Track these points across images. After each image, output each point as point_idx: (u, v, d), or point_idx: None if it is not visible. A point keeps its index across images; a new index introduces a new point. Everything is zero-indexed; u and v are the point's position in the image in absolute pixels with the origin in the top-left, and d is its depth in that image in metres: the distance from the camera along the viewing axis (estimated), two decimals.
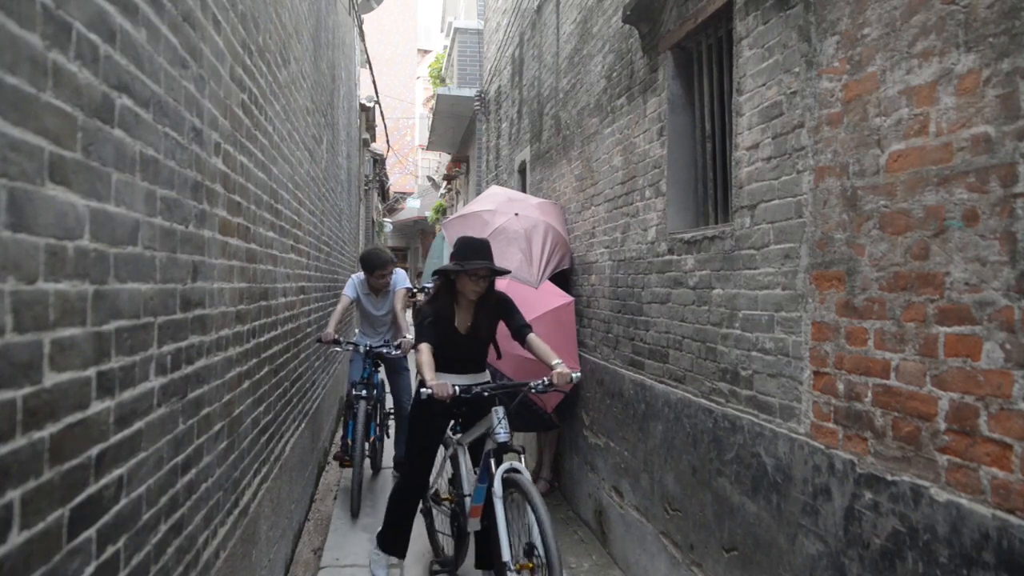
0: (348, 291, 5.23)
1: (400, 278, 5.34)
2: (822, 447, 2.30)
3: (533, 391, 3.27)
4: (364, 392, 5.00)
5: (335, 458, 5.49)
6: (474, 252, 3.38)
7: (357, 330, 5.72)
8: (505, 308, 3.55)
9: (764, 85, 2.70)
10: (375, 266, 5.13)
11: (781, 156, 2.58)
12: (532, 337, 3.41)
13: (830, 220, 2.29)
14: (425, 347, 3.30)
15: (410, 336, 4.53)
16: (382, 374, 5.59)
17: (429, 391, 3.10)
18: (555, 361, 3.26)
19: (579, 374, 3.32)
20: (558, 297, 5.02)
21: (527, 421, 5.06)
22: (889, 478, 1.98)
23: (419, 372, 3.23)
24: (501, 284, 4.92)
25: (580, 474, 5.00)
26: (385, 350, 5.11)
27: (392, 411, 5.64)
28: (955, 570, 1.74)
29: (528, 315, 4.79)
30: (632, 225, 4.11)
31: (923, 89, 1.90)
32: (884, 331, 2.04)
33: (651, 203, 3.83)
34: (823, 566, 2.26)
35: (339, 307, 5.14)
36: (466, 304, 3.50)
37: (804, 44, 2.45)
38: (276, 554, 3.43)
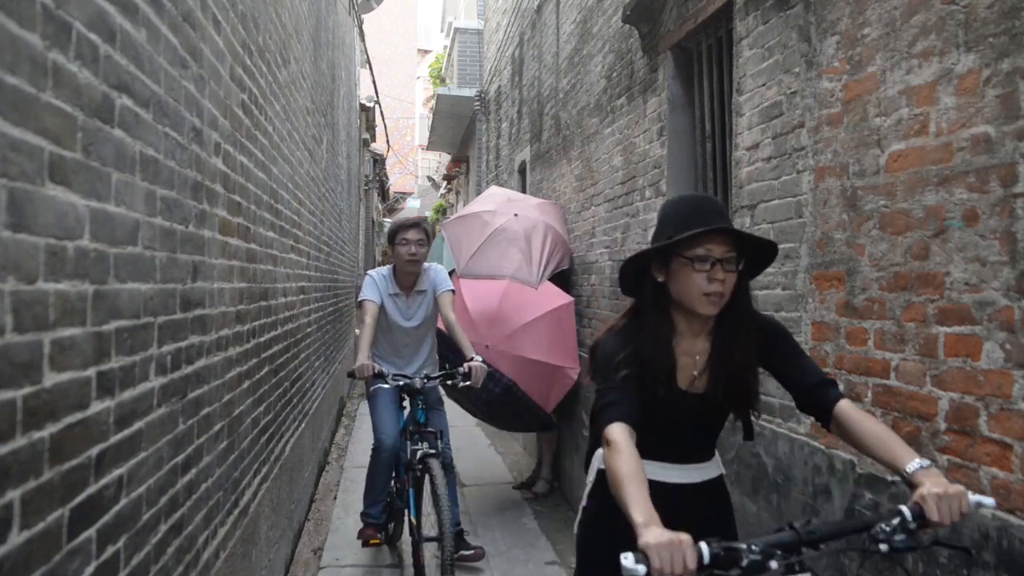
0: (369, 293, 3.65)
1: (439, 276, 3.78)
2: (822, 447, 2.30)
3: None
4: (429, 447, 3.39)
5: (360, 536, 3.89)
6: (698, 214, 1.66)
7: (370, 352, 3.64)
8: (778, 342, 1.76)
9: (764, 85, 2.70)
10: (398, 228, 3.69)
11: (781, 156, 2.58)
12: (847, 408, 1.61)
13: (830, 220, 2.29)
14: (621, 433, 1.52)
15: (475, 362, 3.46)
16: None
17: None
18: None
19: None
20: (558, 297, 5.02)
21: (527, 421, 5.06)
22: (889, 478, 1.98)
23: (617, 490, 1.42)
24: (500, 285, 4.93)
25: (580, 474, 4.99)
26: (438, 383, 3.61)
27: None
28: (955, 570, 1.74)
29: (528, 315, 4.81)
30: (632, 225, 4.11)
31: (923, 89, 1.90)
32: (884, 331, 2.04)
33: (651, 203, 3.82)
34: (823, 566, 2.26)
35: (367, 319, 3.59)
36: (694, 330, 1.74)
37: (804, 44, 2.45)
38: (276, 554, 3.43)
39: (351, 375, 3.43)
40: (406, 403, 3.66)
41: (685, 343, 1.72)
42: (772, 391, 2.60)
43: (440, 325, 4.00)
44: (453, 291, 3.81)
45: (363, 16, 10.97)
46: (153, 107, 1.71)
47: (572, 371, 4.93)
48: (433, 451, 3.36)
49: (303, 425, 4.42)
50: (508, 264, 5.04)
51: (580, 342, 5.11)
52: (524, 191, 7.07)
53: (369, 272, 3.89)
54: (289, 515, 3.86)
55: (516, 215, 5.32)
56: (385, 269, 3.84)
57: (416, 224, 3.69)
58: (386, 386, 3.48)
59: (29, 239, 1.16)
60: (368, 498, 3.82)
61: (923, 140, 1.90)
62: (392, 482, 3.79)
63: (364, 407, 8.71)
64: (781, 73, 2.58)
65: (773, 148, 2.63)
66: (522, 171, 7.55)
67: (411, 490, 3.49)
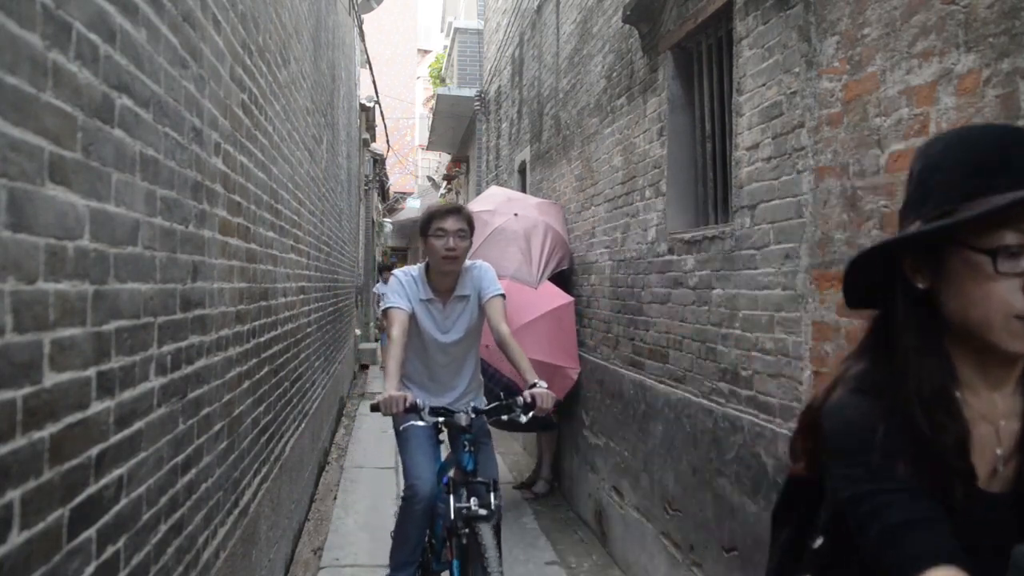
0: (396, 298, 2.87)
1: (485, 277, 2.97)
2: None
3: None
4: (479, 506, 2.60)
5: None
6: (1012, 163, 0.88)
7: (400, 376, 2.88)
8: None
9: (764, 85, 2.70)
10: (433, 215, 2.92)
11: (781, 156, 2.58)
12: None
13: (830, 220, 2.29)
14: None
15: (540, 388, 2.67)
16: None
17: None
18: None
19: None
20: (558, 297, 5.03)
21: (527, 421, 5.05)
22: None
23: None
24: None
25: (580, 474, 5.00)
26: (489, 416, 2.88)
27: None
28: None
29: (528, 315, 4.81)
30: (632, 225, 4.11)
31: (923, 89, 1.90)
32: None
33: (651, 203, 3.83)
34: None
35: (395, 332, 2.79)
36: (991, 380, 0.96)
37: (804, 44, 2.45)
38: (276, 554, 3.43)
39: (376, 409, 2.56)
40: (442, 435, 2.96)
41: (975, 402, 0.95)
42: (772, 391, 2.60)
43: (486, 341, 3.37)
44: (504, 295, 2.95)
45: (363, 16, 10.97)
46: (153, 107, 1.71)
47: (572, 371, 4.93)
48: (484, 512, 2.57)
49: (303, 425, 4.42)
50: (508, 264, 5.04)
51: (580, 342, 5.11)
52: (524, 191, 7.07)
53: (394, 272, 3.11)
54: (289, 515, 3.86)
55: (516, 215, 5.32)
56: (415, 268, 3.00)
57: (456, 210, 2.89)
58: (421, 423, 2.67)
59: (29, 239, 1.16)
60: (397, 557, 2.93)
61: (923, 140, 1.90)
62: (427, 538, 3.00)
63: (364, 407, 8.73)
64: (781, 73, 2.59)
65: (773, 148, 2.63)
66: (522, 171, 7.55)
67: (456, 562, 2.73)
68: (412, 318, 2.88)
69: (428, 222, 2.89)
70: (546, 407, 2.64)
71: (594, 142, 4.85)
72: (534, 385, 2.67)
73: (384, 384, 2.69)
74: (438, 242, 2.83)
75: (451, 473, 2.83)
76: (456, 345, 2.99)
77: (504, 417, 2.78)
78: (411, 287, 2.93)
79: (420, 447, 2.86)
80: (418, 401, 2.65)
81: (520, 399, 2.67)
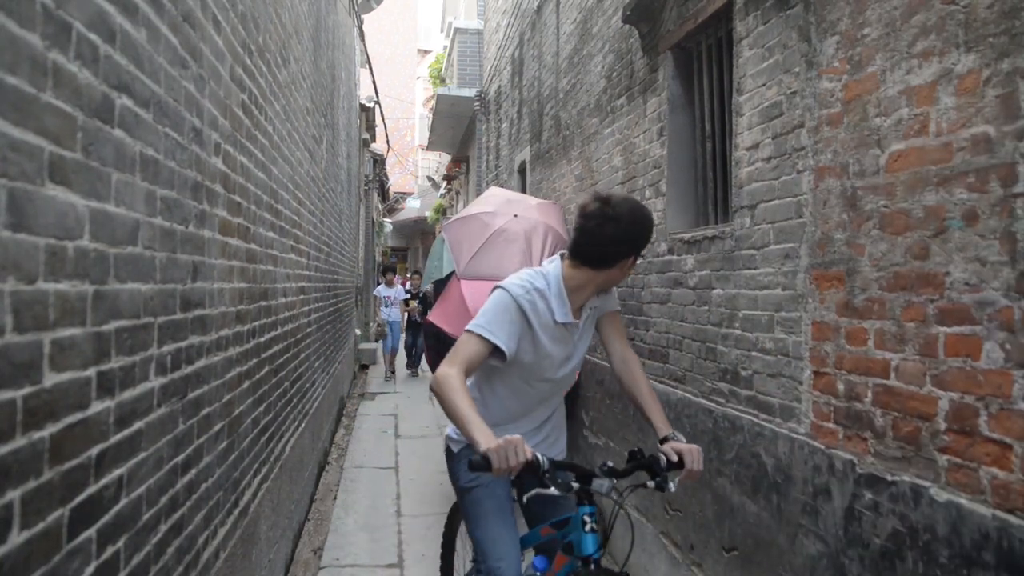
0: (496, 329, 1.98)
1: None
2: (822, 447, 2.30)
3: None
4: None
5: None
6: None
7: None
8: None
9: (764, 85, 2.70)
10: (648, 232, 2.11)
11: (781, 156, 2.58)
12: None
13: (830, 220, 2.29)
14: None
15: (681, 442, 2.04)
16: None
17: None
18: None
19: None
20: None
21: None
22: (889, 478, 1.98)
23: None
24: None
25: None
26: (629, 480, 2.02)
27: None
28: (955, 570, 1.74)
29: None
30: None
31: (923, 89, 1.90)
32: (884, 331, 2.04)
33: (651, 203, 3.83)
34: (823, 566, 2.26)
35: (454, 375, 1.88)
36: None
37: (804, 44, 2.45)
38: (276, 554, 3.43)
39: (481, 467, 1.71)
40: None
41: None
42: (772, 391, 2.60)
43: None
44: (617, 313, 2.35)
45: (363, 16, 10.97)
46: (153, 107, 1.71)
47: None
48: None
49: (303, 425, 4.42)
50: (509, 265, 5.04)
51: None
52: (524, 191, 7.07)
53: (506, 285, 2.05)
54: (289, 515, 3.86)
55: (516, 216, 5.32)
56: (551, 275, 2.09)
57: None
58: (490, 479, 1.91)
59: (29, 239, 1.16)
60: None
61: (923, 140, 1.90)
62: None
63: (364, 407, 8.74)
64: (781, 73, 2.59)
65: (773, 148, 2.63)
66: (522, 171, 7.55)
67: None
68: (501, 353, 1.99)
69: (644, 238, 2.06)
70: (698, 468, 1.97)
71: (594, 142, 4.85)
72: (670, 437, 2.03)
73: (467, 430, 1.76)
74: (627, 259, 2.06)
75: (578, 569, 1.97)
76: (569, 376, 2.27)
77: (650, 484, 1.98)
78: (538, 308, 2.02)
79: (499, 514, 2.10)
80: (539, 456, 1.77)
81: (662, 456, 1.99)
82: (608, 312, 2.29)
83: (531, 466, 1.74)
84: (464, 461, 2.03)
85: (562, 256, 2.14)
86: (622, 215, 1.97)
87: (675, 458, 1.98)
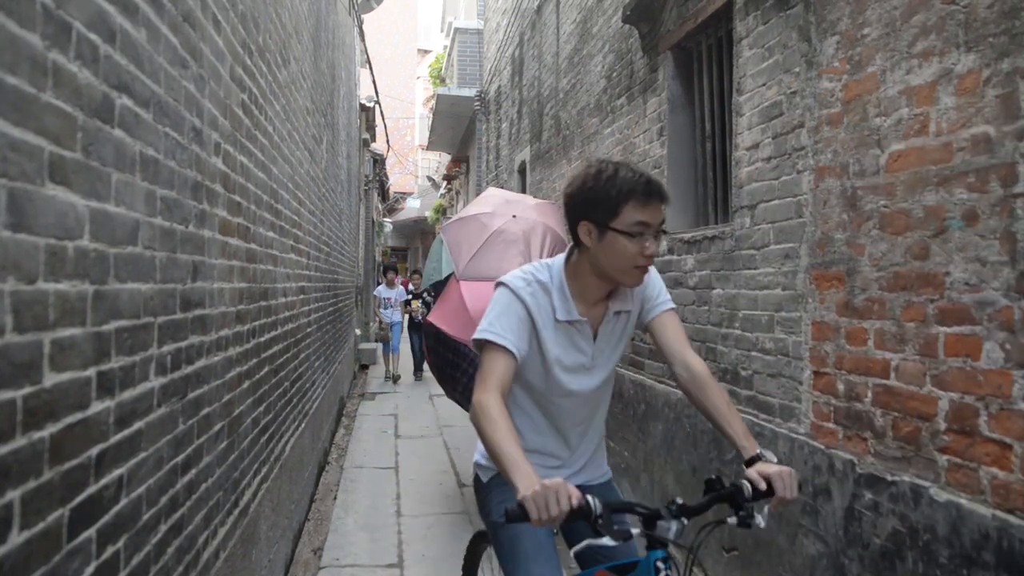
0: (504, 326, 1.75)
1: (654, 284, 1.92)
2: (822, 447, 2.30)
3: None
4: None
5: None
6: None
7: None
8: None
9: (764, 85, 2.70)
10: (628, 196, 1.68)
11: (781, 156, 2.58)
12: None
13: (830, 220, 2.29)
14: None
15: (771, 464, 1.60)
16: None
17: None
18: None
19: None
20: None
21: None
22: (889, 478, 1.98)
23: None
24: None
25: None
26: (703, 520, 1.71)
27: None
28: (955, 570, 1.74)
29: None
30: None
31: (923, 89, 1.90)
32: (884, 331, 2.04)
33: None
34: (823, 566, 2.26)
35: (490, 394, 1.65)
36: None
37: (804, 44, 2.45)
38: (276, 554, 3.43)
39: (513, 518, 1.42)
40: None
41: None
42: (772, 391, 2.60)
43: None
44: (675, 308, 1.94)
45: (363, 16, 10.97)
46: (153, 107, 1.71)
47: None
48: None
49: (303, 425, 4.42)
50: (508, 266, 5.01)
51: None
52: (524, 191, 7.07)
53: (505, 279, 1.83)
54: (289, 515, 3.86)
55: (514, 216, 5.32)
56: (542, 268, 1.84)
57: (662, 194, 1.70)
58: (600, 542, 1.45)
59: (29, 239, 1.16)
60: None
61: (923, 140, 1.90)
62: None
63: (364, 407, 8.74)
64: (781, 73, 2.58)
65: (773, 148, 2.63)
66: (522, 171, 7.55)
67: None
68: (519, 359, 1.73)
69: (616, 205, 1.66)
70: (791, 496, 1.55)
71: (594, 142, 4.85)
72: (757, 458, 1.63)
73: (504, 469, 1.50)
74: (631, 243, 1.66)
75: None
76: (599, 390, 1.89)
77: (731, 520, 1.59)
78: (540, 303, 1.78)
79: (539, 554, 1.76)
80: (590, 500, 1.46)
81: (746, 484, 1.58)
82: (659, 314, 1.88)
83: (579, 512, 1.43)
84: (495, 492, 1.87)
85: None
86: (574, 179, 1.74)
87: (763, 485, 1.56)
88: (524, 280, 1.80)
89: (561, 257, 1.84)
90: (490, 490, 1.93)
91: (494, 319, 1.75)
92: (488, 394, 1.63)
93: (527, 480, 1.42)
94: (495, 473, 1.89)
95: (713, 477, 1.68)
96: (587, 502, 1.44)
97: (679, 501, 1.62)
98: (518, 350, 1.72)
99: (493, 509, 1.88)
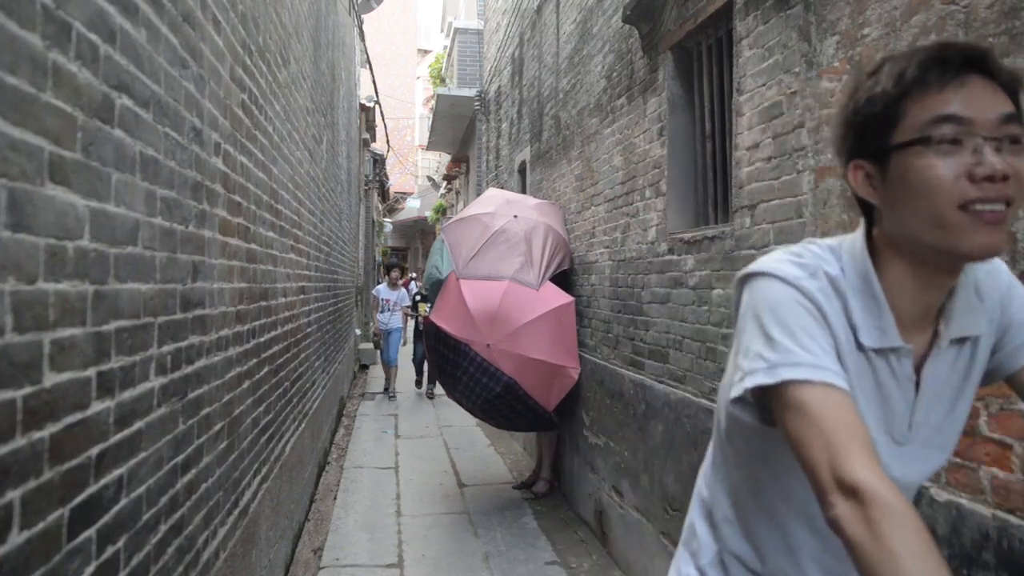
0: (811, 358, 0.87)
1: (1016, 288, 1.07)
2: None
3: None
4: None
5: None
6: None
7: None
8: None
9: (764, 85, 2.70)
10: (932, 81, 0.85)
11: (781, 156, 2.58)
12: None
13: (830, 220, 2.29)
14: None
15: None
16: None
17: None
18: None
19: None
20: (558, 297, 5.03)
21: (527, 420, 5.06)
22: None
23: None
24: (501, 285, 4.94)
25: (580, 474, 5.00)
26: None
27: None
28: (955, 570, 1.74)
29: (528, 315, 4.81)
30: (632, 225, 4.11)
31: None
32: None
33: (651, 203, 3.83)
34: None
35: (844, 425, 0.83)
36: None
37: (804, 44, 2.45)
38: (276, 554, 3.43)
39: None
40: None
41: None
42: None
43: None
44: None
45: (363, 16, 10.98)
46: (153, 107, 1.71)
47: (573, 371, 4.94)
48: None
49: (303, 425, 4.43)
50: (509, 266, 5.06)
51: (580, 342, 5.11)
52: (524, 191, 7.07)
53: (769, 268, 0.95)
54: (289, 515, 3.86)
55: (515, 216, 5.33)
56: (846, 250, 0.98)
57: (987, 62, 0.86)
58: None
59: (29, 239, 1.16)
60: None
61: None
62: None
63: (365, 407, 8.73)
64: (781, 73, 2.58)
65: (773, 148, 2.63)
66: (522, 171, 7.55)
67: None
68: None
69: (894, 103, 0.88)
70: None
71: (594, 142, 4.85)
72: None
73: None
74: (943, 161, 0.84)
75: None
76: (920, 475, 1.05)
77: None
78: (835, 313, 0.94)
79: None
80: None
81: None
82: None
83: None
84: None
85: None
86: (850, 79, 1.02)
87: None
88: (803, 268, 0.95)
89: (855, 237, 1.00)
90: None
91: (782, 338, 0.90)
92: (866, 471, 0.79)
93: None
94: None
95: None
96: None
97: None
98: (841, 376, 0.89)
99: None
